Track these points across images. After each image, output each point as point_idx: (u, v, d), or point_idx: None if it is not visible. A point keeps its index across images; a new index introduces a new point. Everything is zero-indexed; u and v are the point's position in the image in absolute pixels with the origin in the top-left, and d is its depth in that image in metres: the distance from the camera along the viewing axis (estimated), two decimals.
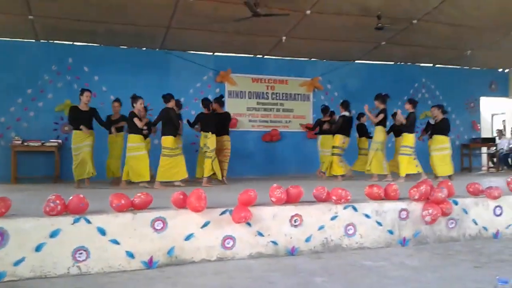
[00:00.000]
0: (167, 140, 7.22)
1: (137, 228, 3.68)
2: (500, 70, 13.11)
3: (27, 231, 3.40)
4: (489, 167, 12.96)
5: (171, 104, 7.47)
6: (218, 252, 3.90)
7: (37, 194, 5.86)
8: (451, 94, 12.16)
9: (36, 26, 8.73)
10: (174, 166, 7.24)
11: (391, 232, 4.48)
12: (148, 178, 7.11)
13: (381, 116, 8.32)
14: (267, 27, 8.94)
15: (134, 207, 3.83)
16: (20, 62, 9.22)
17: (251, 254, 3.99)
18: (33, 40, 9.46)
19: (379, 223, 4.44)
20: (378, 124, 8.35)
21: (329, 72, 11.38)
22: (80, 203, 3.63)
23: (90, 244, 3.53)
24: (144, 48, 10.28)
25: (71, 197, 3.66)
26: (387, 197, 4.62)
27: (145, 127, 7.42)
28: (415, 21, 9.06)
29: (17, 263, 3.34)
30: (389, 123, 8.76)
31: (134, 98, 7.36)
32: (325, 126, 9.42)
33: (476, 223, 4.85)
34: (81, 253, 3.49)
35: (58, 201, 3.56)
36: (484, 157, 13.40)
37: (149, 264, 3.68)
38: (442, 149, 8.32)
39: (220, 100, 8.39)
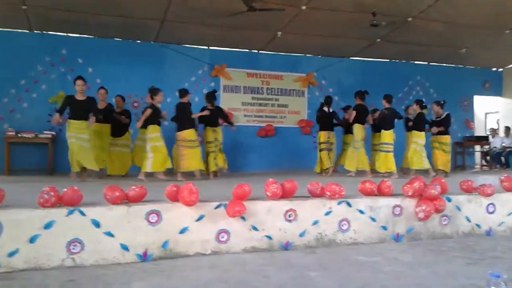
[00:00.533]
0: (188, 133, 7.54)
1: (131, 221, 3.67)
2: (494, 69, 13.19)
3: (21, 222, 3.38)
4: (482, 165, 13.06)
5: (186, 99, 7.70)
6: (213, 246, 3.90)
7: (31, 186, 5.83)
8: (445, 92, 12.19)
9: (30, 17, 8.66)
10: (194, 157, 7.48)
11: (384, 228, 4.51)
12: (169, 166, 7.32)
13: (354, 113, 8.52)
14: (262, 22, 8.94)
15: (129, 200, 3.82)
16: (14, 53, 9.16)
17: (245, 248, 4.00)
18: (27, 31, 9.39)
19: (373, 219, 4.47)
20: (354, 122, 8.52)
21: (324, 68, 11.40)
22: (74, 195, 3.61)
23: (84, 236, 3.51)
24: (139, 41, 10.23)
25: (65, 189, 3.64)
26: (380, 193, 4.65)
27: (123, 117, 8.02)
28: (410, 19, 9.09)
29: (11, 255, 3.32)
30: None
31: (154, 90, 7.41)
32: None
33: (469, 220, 4.88)
34: (75, 245, 3.48)
35: (52, 193, 3.53)
36: (478, 155, 13.50)
37: (144, 257, 3.67)
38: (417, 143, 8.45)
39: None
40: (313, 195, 4.43)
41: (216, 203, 3.95)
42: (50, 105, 9.29)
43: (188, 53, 10.37)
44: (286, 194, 4.27)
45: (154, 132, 7.28)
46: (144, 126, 7.94)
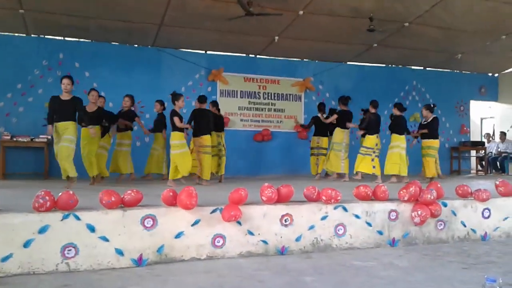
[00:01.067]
0: (206, 139, 7.56)
1: (126, 225, 3.66)
2: (490, 74, 13.23)
3: (16, 226, 3.37)
4: (478, 170, 13.09)
5: (205, 105, 7.80)
6: (208, 250, 3.90)
7: (26, 190, 5.80)
8: (441, 97, 12.22)
9: (27, 21, 8.64)
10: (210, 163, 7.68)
11: (380, 232, 4.51)
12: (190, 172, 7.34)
13: (334, 116, 8.81)
14: (260, 27, 8.94)
15: (124, 204, 3.81)
16: (10, 57, 9.13)
17: (241, 253, 4.00)
18: (24, 35, 9.36)
19: (369, 224, 4.47)
20: (334, 125, 8.77)
21: (321, 73, 11.41)
22: (69, 199, 3.60)
23: (79, 240, 3.50)
24: (136, 45, 10.22)
25: (60, 194, 3.63)
26: (376, 197, 4.65)
27: (104, 121, 7.61)
28: (406, 24, 9.12)
29: (4, 259, 3.31)
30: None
31: (175, 96, 7.34)
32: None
33: (464, 225, 4.89)
34: (70, 250, 3.47)
35: (47, 197, 3.53)
36: (473, 160, 13.53)
37: (139, 261, 3.66)
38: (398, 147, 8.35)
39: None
40: (309, 199, 4.43)
41: (212, 208, 3.95)
42: (46, 109, 9.17)
43: (185, 57, 10.37)
44: (282, 199, 4.28)
45: (177, 139, 7.18)
46: (153, 131, 8.47)
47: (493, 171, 12.36)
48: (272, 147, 10.96)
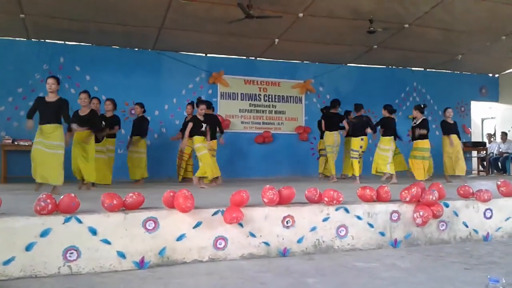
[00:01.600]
0: (214, 143, 8.23)
1: (128, 228, 3.66)
2: (491, 75, 13.25)
3: (17, 230, 3.37)
4: (479, 171, 13.08)
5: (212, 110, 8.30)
6: (210, 252, 3.89)
7: (27, 194, 5.82)
8: (442, 98, 12.24)
9: (28, 25, 8.67)
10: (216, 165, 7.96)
11: (382, 233, 4.50)
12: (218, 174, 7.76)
13: (322, 121, 9.20)
14: (260, 29, 8.97)
15: (126, 207, 3.81)
16: (11, 61, 9.17)
17: (243, 255, 3.99)
18: (24, 39, 9.40)
19: (371, 225, 4.46)
20: (326, 129, 9.07)
21: (321, 75, 11.43)
22: (71, 202, 3.60)
23: (81, 243, 3.50)
24: (136, 49, 10.25)
25: (62, 197, 3.63)
26: (378, 199, 4.65)
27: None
28: (406, 25, 9.14)
29: (6, 263, 3.31)
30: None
31: (198, 103, 7.55)
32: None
33: (466, 226, 4.88)
34: (72, 253, 3.47)
35: (48, 200, 3.52)
36: (475, 161, 13.52)
37: (141, 264, 3.66)
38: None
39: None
40: (311, 201, 4.42)
41: (214, 210, 3.95)
42: None
43: (185, 60, 10.40)
44: (283, 201, 4.27)
45: (198, 142, 7.34)
46: (133, 134, 8.43)
47: (495, 171, 12.37)
48: (273, 149, 10.97)
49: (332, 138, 8.96)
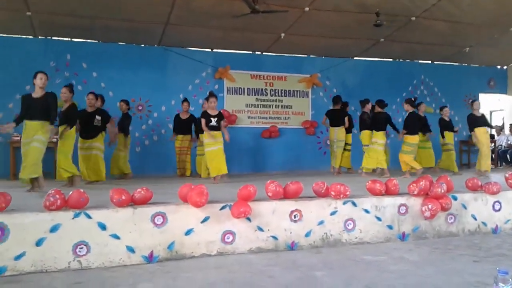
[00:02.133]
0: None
1: (137, 223, 3.69)
2: (499, 67, 13.13)
3: (27, 226, 3.41)
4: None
5: None
6: (218, 247, 3.91)
7: (36, 190, 5.86)
8: (450, 91, 12.17)
9: (34, 23, 8.70)
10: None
11: (390, 227, 4.50)
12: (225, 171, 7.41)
13: (324, 117, 9.35)
14: (265, 24, 8.93)
15: (134, 202, 3.83)
16: (18, 59, 9.20)
17: (251, 249, 4.01)
18: (31, 37, 9.44)
19: (379, 218, 4.46)
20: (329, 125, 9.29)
21: (327, 69, 11.38)
22: (80, 197, 3.63)
23: (90, 238, 3.53)
24: (143, 45, 10.26)
25: (71, 192, 3.66)
26: (387, 192, 4.64)
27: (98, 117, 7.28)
28: (413, 18, 9.06)
29: (17, 258, 3.35)
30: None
31: (209, 96, 7.47)
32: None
33: (475, 218, 4.86)
34: (81, 248, 3.50)
35: (57, 196, 3.56)
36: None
37: (150, 258, 3.69)
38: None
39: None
40: (318, 195, 4.43)
41: (221, 204, 3.97)
42: None
43: (191, 56, 10.39)
44: (290, 195, 4.28)
45: (205, 138, 7.30)
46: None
47: (503, 163, 12.28)
48: (279, 144, 10.96)
49: (333, 133, 9.23)
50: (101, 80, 9.62)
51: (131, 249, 3.64)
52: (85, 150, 7.29)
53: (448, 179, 4.91)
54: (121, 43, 10.06)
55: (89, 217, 3.55)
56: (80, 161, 7.25)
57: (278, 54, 11.14)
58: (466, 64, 12.65)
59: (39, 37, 9.48)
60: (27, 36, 9.43)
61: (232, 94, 10.76)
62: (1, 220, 3.35)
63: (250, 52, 11.06)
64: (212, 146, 7.24)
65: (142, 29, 9.27)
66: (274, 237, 4.08)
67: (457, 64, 12.52)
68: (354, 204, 4.39)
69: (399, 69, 12.06)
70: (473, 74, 12.73)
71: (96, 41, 9.92)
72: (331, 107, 9.56)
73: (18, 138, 8.70)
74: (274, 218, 4.10)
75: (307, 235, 4.19)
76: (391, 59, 12.07)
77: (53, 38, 9.62)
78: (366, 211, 4.43)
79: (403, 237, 4.52)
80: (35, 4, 7.91)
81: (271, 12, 7.90)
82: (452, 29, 9.73)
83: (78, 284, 3.15)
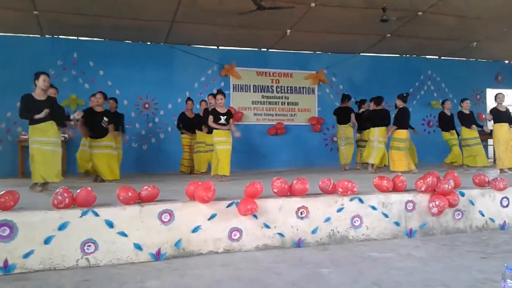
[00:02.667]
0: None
1: (144, 221, 3.71)
2: (506, 61, 13.02)
3: (36, 224, 3.43)
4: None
5: None
6: (225, 244, 3.92)
7: (44, 190, 5.90)
8: (457, 86, 12.09)
9: (41, 21, 8.74)
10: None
11: (397, 223, 4.49)
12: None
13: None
14: (271, 21, 8.91)
15: (141, 200, 3.85)
16: (26, 57, 9.23)
17: (257, 246, 4.02)
18: (38, 35, 9.48)
19: (386, 215, 4.45)
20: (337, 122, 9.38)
21: (334, 65, 11.34)
22: (88, 196, 3.66)
23: (98, 236, 3.56)
24: (149, 43, 10.28)
25: (78, 191, 3.69)
26: (394, 188, 4.62)
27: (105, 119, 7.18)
28: (420, 13, 9.00)
29: (26, 256, 3.38)
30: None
31: (217, 93, 7.36)
32: None
33: (482, 215, 4.84)
34: (89, 246, 3.53)
35: (65, 194, 3.59)
36: (491, 149, 13.32)
37: (157, 256, 3.71)
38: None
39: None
40: (325, 192, 4.42)
41: (228, 202, 3.98)
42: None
43: (197, 53, 10.40)
44: (298, 192, 4.28)
45: (217, 136, 7.15)
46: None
47: None
48: (286, 141, 10.95)
49: (341, 130, 9.27)
50: (107, 78, 9.65)
51: (138, 247, 3.66)
52: (97, 148, 7.13)
53: (455, 175, 4.89)
54: (127, 41, 10.09)
55: (96, 215, 3.58)
56: (93, 160, 7.14)
57: (284, 51, 11.11)
58: (473, 59, 12.56)
59: (46, 36, 9.53)
60: (34, 35, 9.47)
61: (238, 91, 10.76)
62: (10, 218, 3.38)
63: (256, 49, 11.05)
64: (225, 145, 7.12)
65: (148, 27, 9.29)
66: (281, 234, 4.09)
67: (464, 59, 12.42)
68: (361, 200, 4.38)
69: (406, 64, 12.00)
70: (481, 69, 12.64)
71: (103, 40, 9.95)
72: (338, 105, 9.59)
73: (26, 137, 8.76)
74: (281, 215, 4.11)
75: (313, 232, 4.19)
76: (398, 55, 12.01)
77: (60, 36, 9.67)
78: (373, 207, 4.42)
79: (410, 233, 4.51)
80: (42, 3, 7.94)
81: (277, 9, 7.89)
82: (459, 24, 9.65)
83: (86, 281, 3.17)
